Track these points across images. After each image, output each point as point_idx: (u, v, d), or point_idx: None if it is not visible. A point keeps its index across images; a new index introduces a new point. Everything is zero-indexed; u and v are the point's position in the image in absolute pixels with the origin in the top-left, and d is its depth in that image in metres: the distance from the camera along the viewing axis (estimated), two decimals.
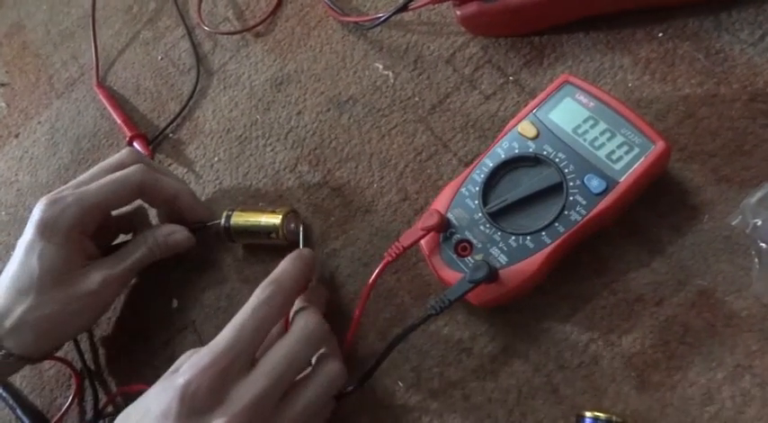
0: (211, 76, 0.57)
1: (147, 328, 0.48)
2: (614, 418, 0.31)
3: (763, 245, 0.32)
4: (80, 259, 0.42)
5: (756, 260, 0.33)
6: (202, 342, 0.45)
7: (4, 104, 0.69)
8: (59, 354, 0.47)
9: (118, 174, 0.43)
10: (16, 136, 0.65)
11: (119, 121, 0.57)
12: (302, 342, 0.35)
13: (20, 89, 0.69)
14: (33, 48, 0.70)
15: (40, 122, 0.65)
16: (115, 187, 0.43)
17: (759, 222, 0.32)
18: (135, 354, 0.48)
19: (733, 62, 0.38)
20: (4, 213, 0.61)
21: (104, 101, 0.59)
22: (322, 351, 0.37)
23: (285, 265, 0.39)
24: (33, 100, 0.67)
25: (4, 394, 0.49)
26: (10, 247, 0.58)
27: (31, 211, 0.42)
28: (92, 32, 0.63)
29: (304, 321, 0.36)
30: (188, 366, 0.33)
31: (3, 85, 0.70)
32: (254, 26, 0.56)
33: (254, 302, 0.36)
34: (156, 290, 0.49)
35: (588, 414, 0.32)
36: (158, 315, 0.48)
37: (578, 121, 0.36)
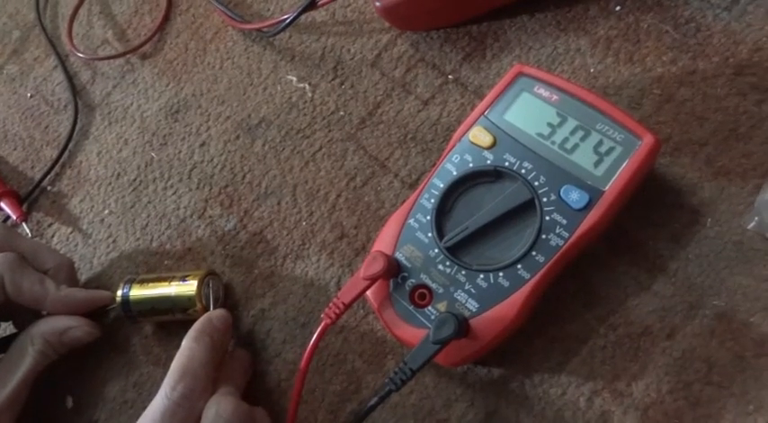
0: (93, 111, 0.47)
1: None
2: None
3: None
4: None
5: None
6: None
7: None
8: None
9: None
10: None
11: None
12: None
13: None
14: None
15: None
16: None
17: None
18: None
19: (708, 31, 0.32)
20: None
21: None
22: None
23: (191, 346, 0.30)
24: None
25: None
26: None
27: None
28: None
29: (214, 413, 0.28)
30: None
31: None
32: (139, 46, 0.46)
33: (163, 406, 0.29)
34: (44, 386, 0.39)
35: None
36: (49, 419, 0.38)
37: (542, 120, 0.29)
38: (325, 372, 0.33)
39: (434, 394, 0.31)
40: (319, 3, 0.37)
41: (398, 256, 0.30)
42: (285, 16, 0.39)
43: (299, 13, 0.38)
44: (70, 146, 0.46)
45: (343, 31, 0.41)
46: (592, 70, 0.34)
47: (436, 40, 0.38)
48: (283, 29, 0.39)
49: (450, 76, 0.37)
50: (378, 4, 0.36)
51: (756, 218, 0.26)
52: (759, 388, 0.26)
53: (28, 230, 0.43)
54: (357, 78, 0.39)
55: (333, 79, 0.40)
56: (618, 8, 0.35)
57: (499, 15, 0.37)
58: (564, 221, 0.27)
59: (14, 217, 0.43)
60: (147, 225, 0.41)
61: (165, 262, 0.39)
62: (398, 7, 0.36)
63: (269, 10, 0.44)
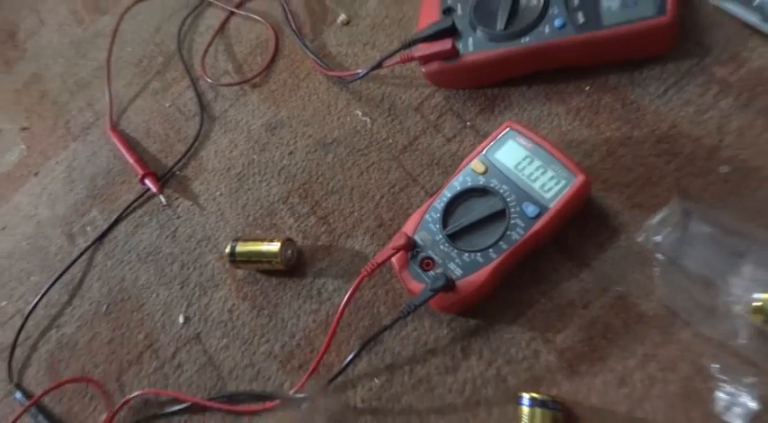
0: (213, 121, 0.65)
1: (156, 341, 0.55)
2: (545, 397, 0.39)
3: (661, 257, 0.40)
4: None
5: (657, 270, 0.41)
6: (206, 352, 0.52)
7: (24, 146, 0.76)
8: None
9: None
10: (35, 174, 0.73)
11: (131, 161, 0.64)
12: None
13: (39, 133, 0.77)
14: (51, 96, 0.79)
15: (57, 162, 0.72)
16: None
17: (659, 239, 0.40)
18: (146, 365, 0.54)
19: (643, 111, 0.47)
20: (24, 243, 0.67)
21: (117, 143, 0.67)
22: None
23: None
24: (51, 142, 0.74)
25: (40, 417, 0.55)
26: (31, 273, 0.64)
27: (49, 241, 0.47)
28: (107, 82, 0.72)
29: None
30: None
31: (23, 129, 0.78)
32: (252, 78, 0.64)
33: None
34: (164, 308, 0.56)
35: (525, 395, 0.39)
36: (166, 330, 0.55)
37: (518, 159, 0.45)
38: (359, 312, 0.49)
39: (429, 332, 0.46)
40: (385, 64, 0.54)
41: (416, 237, 0.46)
42: (359, 70, 0.56)
43: (371, 70, 0.55)
44: (195, 144, 0.64)
45: (398, 83, 0.58)
46: (563, 129, 0.49)
47: (462, 97, 0.54)
48: (358, 79, 0.57)
49: (468, 123, 0.53)
50: (423, 69, 0.53)
51: (644, 234, 0.41)
52: (634, 343, 0.40)
53: (164, 200, 0.61)
54: (404, 117, 0.56)
55: (387, 116, 0.57)
56: (587, 88, 0.50)
57: (508, 84, 0.53)
58: (522, 224, 0.43)
59: (155, 189, 0.61)
60: (246, 205, 0.58)
61: (257, 231, 0.56)
62: (437, 73, 0.52)
63: (347, 62, 0.61)
